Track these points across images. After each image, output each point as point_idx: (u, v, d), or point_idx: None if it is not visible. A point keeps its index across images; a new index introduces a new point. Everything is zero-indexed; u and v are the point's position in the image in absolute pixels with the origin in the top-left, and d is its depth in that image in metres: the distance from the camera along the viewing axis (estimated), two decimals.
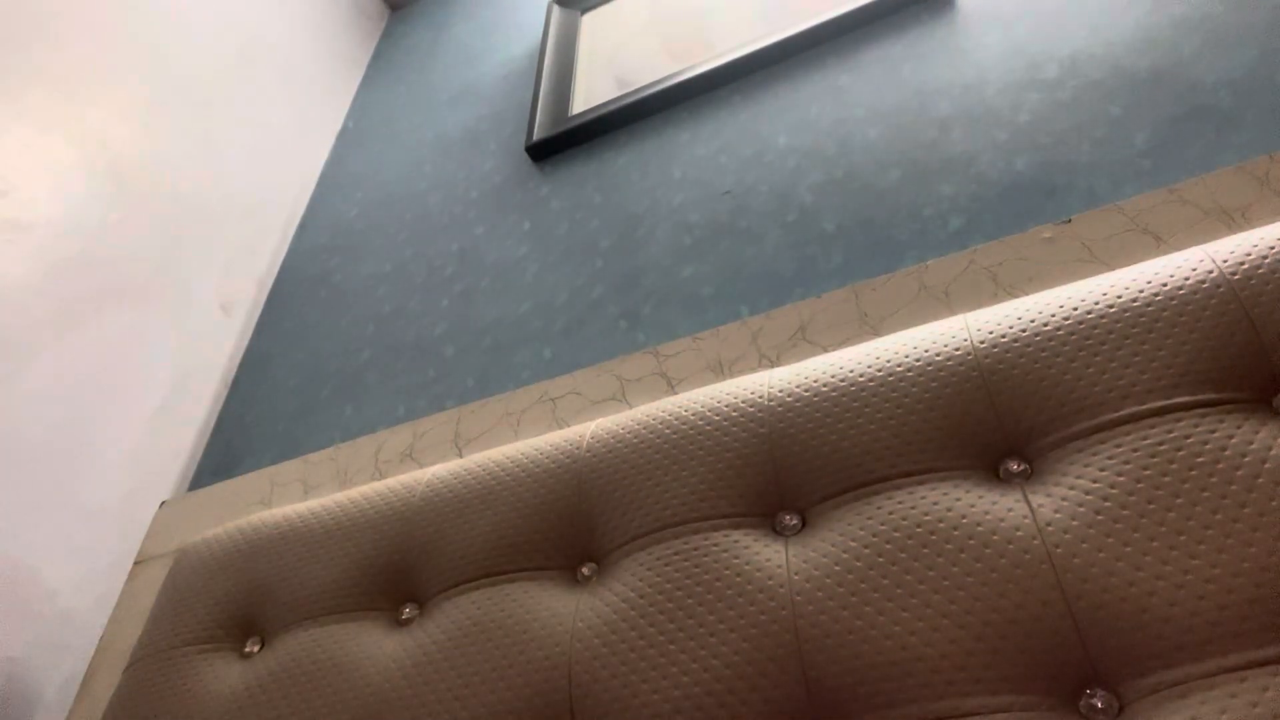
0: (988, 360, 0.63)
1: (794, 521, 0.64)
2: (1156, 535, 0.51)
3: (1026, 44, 1.02)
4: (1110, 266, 0.76)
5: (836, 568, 0.59)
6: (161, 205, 1.31)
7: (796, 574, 0.60)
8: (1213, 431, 0.54)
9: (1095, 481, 0.55)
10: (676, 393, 0.89)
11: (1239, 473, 0.51)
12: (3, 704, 0.92)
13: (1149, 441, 0.55)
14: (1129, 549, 0.51)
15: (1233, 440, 0.53)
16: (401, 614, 0.76)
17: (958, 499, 0.58)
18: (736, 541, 0.64)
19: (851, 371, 0.68)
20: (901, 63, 1.10)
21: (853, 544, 0.59)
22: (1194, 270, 0.60)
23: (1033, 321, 0.64)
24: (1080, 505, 0.54)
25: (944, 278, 0.83)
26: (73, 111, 1.21)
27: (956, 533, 0.57)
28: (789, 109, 1.15)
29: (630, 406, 0.91)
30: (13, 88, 1.14)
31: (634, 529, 0.68)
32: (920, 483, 0.61)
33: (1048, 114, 0.94)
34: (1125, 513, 0.53)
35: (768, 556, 0.62)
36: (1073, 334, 0.61)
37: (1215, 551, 0.49)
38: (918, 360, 0.66)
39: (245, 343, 1.41)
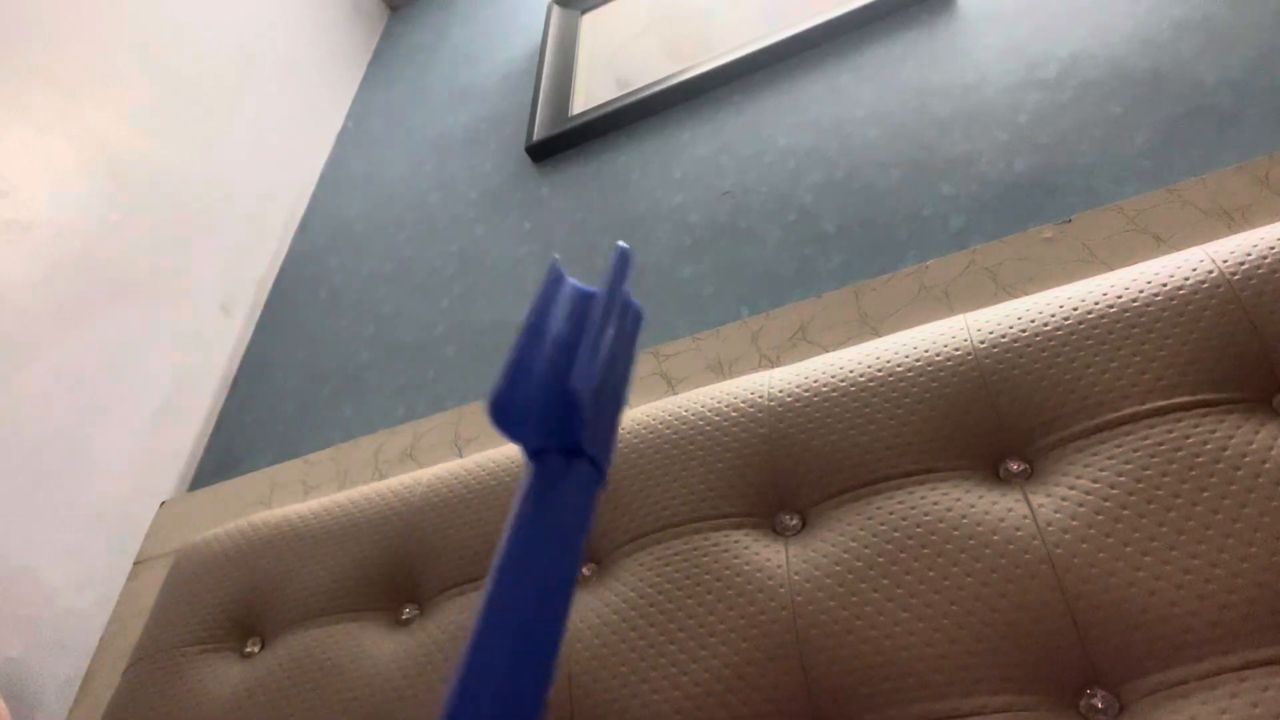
0: (988, 360, 0.63)
1: (794, 521, 0.64)
2: (1157, 535, 0.51)
3: (1026, 44, 1.02)
4: (1110, 266, 0.76)
5: (836, 568, 0.59)
6: (161, 205, 1.31)
7: (796, 574, 0.60)
8: (1213, 431, 0.54)
9: (1095, 481, 0.55)
10: (676, 393, 0.89)
11: (1239, 473, 0.51)
12: (4, 703, 0.92)
13: (1149, 441, 0.55)
14: (1129, 549, 0.51)
15: (1233, 440, 0.53)
16: (401, 614, 0.76)
17: (958, 499, 0.58)
18: (736, 542, 0.64)
19: (852, 371, 0.68)
20: (901, 63, 1.10)
21: (853, 544, 0.59)
22: (1194, 270, 0.60)
23: (1033, 321, 0.64)
24: (1080, 505, 0.54)
25: (944, 278, 0.83)
26: (73, 111, 1.21)
27: (956, 533, 0.57)
28: (789, 109, 1.15)
29: (630, 407, 0.91)
30: (13, 88, 1.14)
31: (634, 529, 0.68)
32: (920, 483, 0.61)
33: (1048, 114, 0.94)
34: (1125, 513, 0.53)
35: (768, 557, 0.62)
36: (1073, 334, 0.61)
37: (1215, 551, 0.49)
38: (918, 360, 0.66)
39: (245, 343, 1.41)
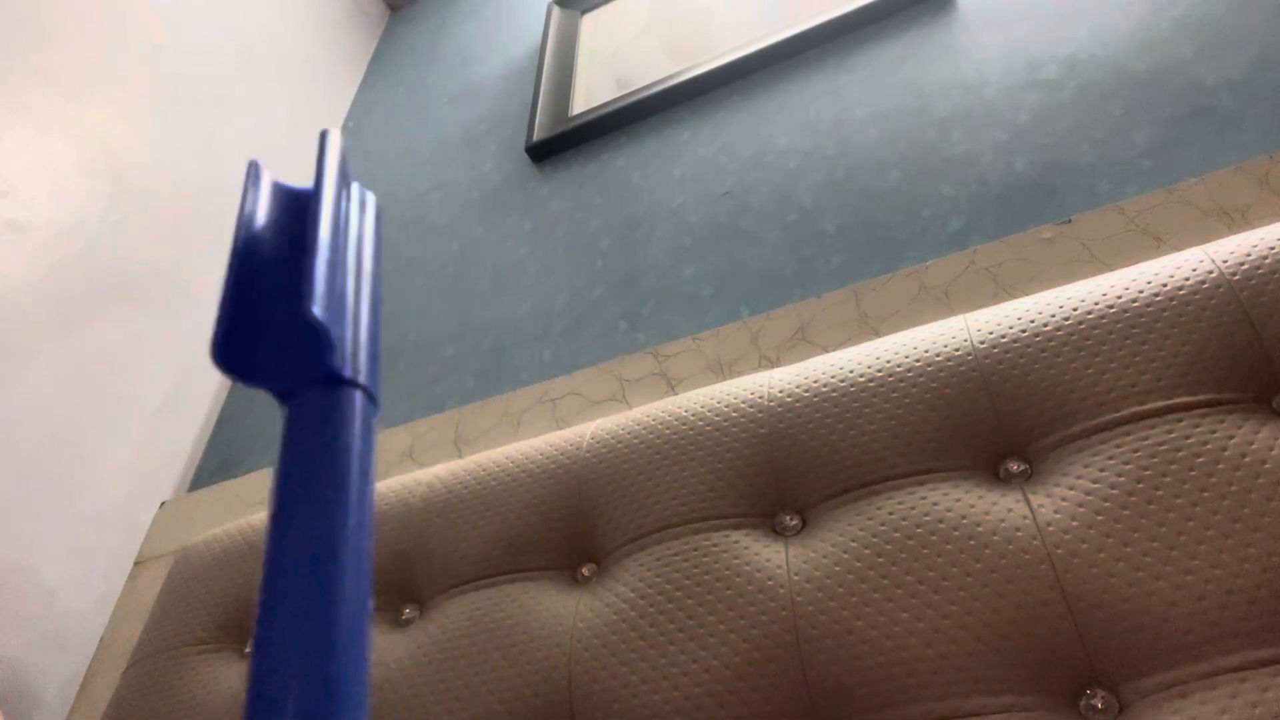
0: (988, 360, 0.63)
1: (794, 521, 0.64)
2: (1157, 535, 0.51)
3: (1026, 44, 1.02)
4: (1110, 266, 0.76)
5: (836, 568, 0.59)
6: (161, 205, 1.31)
7: (796, 574, 0.60)
8: (1213, 431, 0.54)
9: (1095, 482, 0.55)
10: (676, 393, 0.89)
11: (1239, 473, 0.51)
12: (3, 704, 0.92)
13: (1149, 441, 0.55)
14: (1129, 549, 0.51)
15: (1233, 440, 0.53)
16: (402, 614, 0.76)
17: (958, 499, 0.58)
18: (736, 542, 0.64)
19: (852, 372, 0.68)
20: (901, 63, 1.10)
21: (853, 544, 0.59)
22: (1194, 270, 0.60)
23: (1033, 322, 0.64)
24: (1080, 505, 0.54)
25: (944, 278, 0.83)
26: (73, 111, 1.21)
27: (956, 533, 0.57)
28: (789, 109, 1.15)
29: (630, 407, 0.91)
30: (13, 88, 1.14)
31: (634, 529, 0.68)
32: (920, 483, 0.61)
33: (1048, 114, 0.94)
34: (1125, 513, 0.53)
35: (768, 557, 0.62)
36: (1073, 334, 0.61)
37: (1215, 551, 0.49)
38: (918, 360, 0.66)
39: None
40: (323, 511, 0.19)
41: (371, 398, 0.22)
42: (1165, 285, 0.61)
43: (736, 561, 0.62)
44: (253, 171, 0.24)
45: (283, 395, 0.21)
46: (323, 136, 0.25)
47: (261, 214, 0.24)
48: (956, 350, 0.65)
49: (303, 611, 0.18)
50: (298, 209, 0.24)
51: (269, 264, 0.22)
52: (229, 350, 0.21)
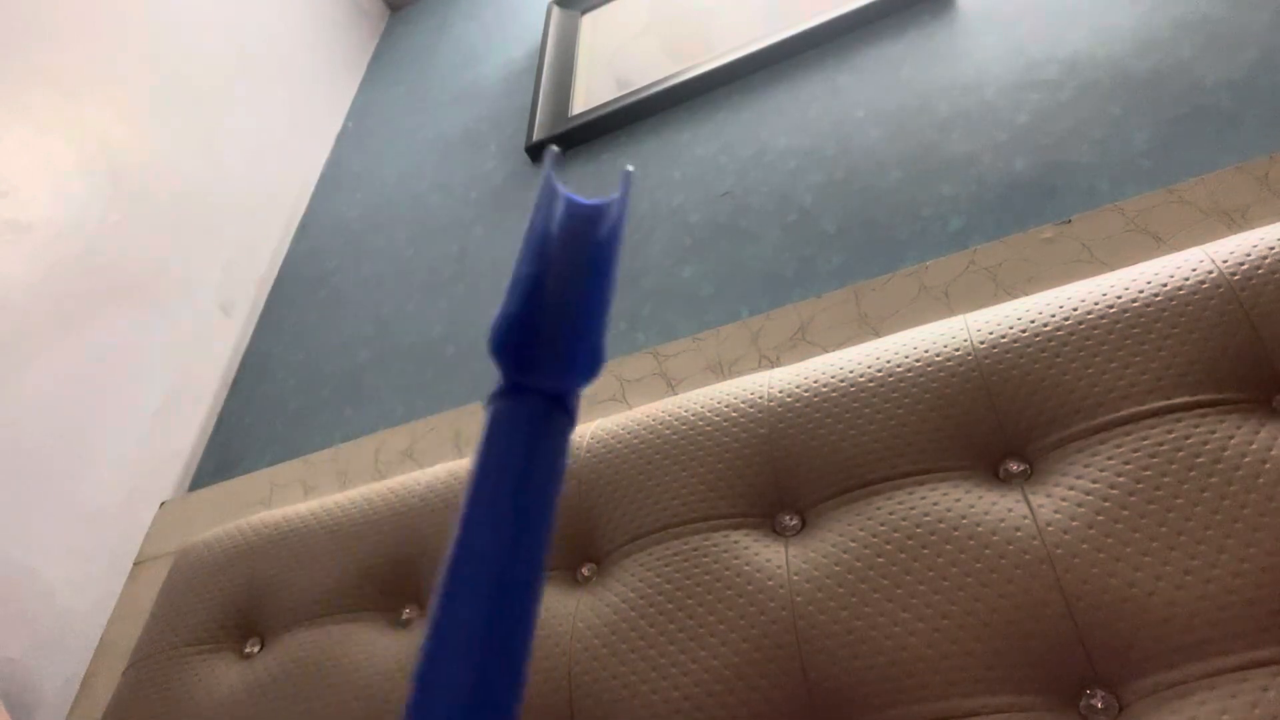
0: (988, 360, 0.63)
1: (794, 522, 0.64)
2: (1156, 536, 0.51)
3: (1026, 44, 1.02)
4: (1110, 266, 0.76)
5: (836, 568, 0.59)
6: (161, 205, 1.31)
7: (796, 574, 0.60)
8: (1213, 431, 0.54)
9: (1095, 482, 0.55)
10: (676, 393, 0.89)
11: (1239, 473, 0.51)
12: (3, 704, 0.92)
13: (1149, 441, 0.55)
14: (1129, 549, 0.51)
15: (1233, 440, 0.53)
16: (401, 614, 0.76)
17: (958, 499, 0.58)
18: (736, 542, 0.64)
19: (851, 372, 0.68)
20: (901, 63, 1.10)
21: (852, 544, 0.59)
22: (1194, 270, 0.60)
23: (1033, 322, 0.64)
24: (1080, 505, 0.54)
25: (944, 278, 0.83)
26: (73, 111, 1.21)
27: (956, 533, 0.57)
28: (789, 110, 1.15)
29: (630, 407, 0.91)
30: (13, 88, 1.14)
31: (634, 529, 0.68)
32: (920, 483, 0.61)
33: (1048, 114, 0.93)
34: (1125, 513, 0.53)
35: (768, 557, 0.62)
36: (1072, 334, 0.61)
37: (1215, 551, 0.49)
38: (918, 360, 0.66)
39: (245, 343, 1.41)
40: (520, 507, 0.20)
41: (574, 422, 0.23)
42: (1165, 285, 0.61)
43: (736, 561, 0.62)
44: (551, 161, 0.25)
45: (512, 389, 0.22)
46: (626, 175, 0.26)
47: (551, 218, 0.24)
48: (956, 350, 0.65)
49: (480, 597, 0.19)
50: (581, 224, 0.25)
51: (553, 270, 0.23)
52: (510, 335, 0.21)
